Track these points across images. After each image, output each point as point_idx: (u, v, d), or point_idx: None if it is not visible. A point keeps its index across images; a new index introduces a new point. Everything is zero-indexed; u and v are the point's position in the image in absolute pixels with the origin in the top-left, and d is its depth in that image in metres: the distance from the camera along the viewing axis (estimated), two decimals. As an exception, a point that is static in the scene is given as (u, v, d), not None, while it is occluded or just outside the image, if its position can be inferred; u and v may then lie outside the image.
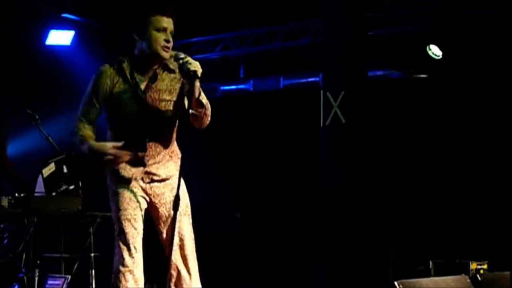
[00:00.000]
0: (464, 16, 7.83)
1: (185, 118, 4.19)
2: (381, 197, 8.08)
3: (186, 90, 4.19)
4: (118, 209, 4.22)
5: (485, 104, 8.11)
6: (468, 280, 5.23)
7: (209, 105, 4.28)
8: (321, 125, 8.02)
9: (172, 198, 4.21)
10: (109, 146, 4.14)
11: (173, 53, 4.21)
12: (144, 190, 4.30)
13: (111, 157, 4.09)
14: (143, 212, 4.28)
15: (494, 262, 7.03)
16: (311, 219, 8.62)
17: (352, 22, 7.97)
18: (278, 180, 9.58)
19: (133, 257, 4.18)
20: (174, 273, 4.32)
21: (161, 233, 4.36)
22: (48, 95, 8.91)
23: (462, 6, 7.81)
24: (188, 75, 4.05)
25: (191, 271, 4.35)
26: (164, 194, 4.34)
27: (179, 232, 4.29)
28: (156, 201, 4.33)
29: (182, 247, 4.33)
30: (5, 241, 6.56)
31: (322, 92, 8.05)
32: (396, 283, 4.51)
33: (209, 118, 4.33)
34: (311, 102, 8.43)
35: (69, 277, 6.66)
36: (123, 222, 4.19)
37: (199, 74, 4.05)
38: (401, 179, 8.41)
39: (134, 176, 4.26)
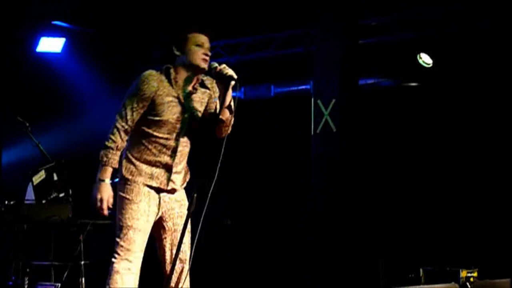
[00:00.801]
0: (454, 24, 7.85)
1: (213, 124, 4.45)
2: (372, 204, 8.09)
3: (219, 96, 4.43)
4: (129, 217, 4.35)
5: (475, 111, 8.13)
6: (458, 288, 5.24)
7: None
8: (312, 133, 8.04)
9: (180, 214, 4.48)
10: (105, 192, 4.30)
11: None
12: (159, 200, 4.44)
13: (98, 203, 4.30)
14: (151, 224, 4.41)
15: (484, 269, 7.04)
16: (301, 226, 8.62)
17: (343, 31, 7.99)
18: (269, 188, 9.58)
19: (129, 268, 4.32)
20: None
21: (161, 247, 4.50)
22: (38, 102, 8.89)
23: (452, 15, 7.83)
24: (224, 78, 4.36)
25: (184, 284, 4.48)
26: (174, 209, 4.51)
27: (183, 249, 4.40)
28: (166, 215, 4.48)
29: (183, 263, 4.46)
30: (-5, 248, 6.54)
31: (313, 100, 8.07)
32: (387, 291, 4.51)
33: (231, 128, 4.59)
34: (302, 110, 8.44)
35: (59, 285, 6.64)
36: (131, 231, 4.33)
37: (235, 77, 4.37)
38: (391, 187, 8.42)
39: (156, 181, 4.41)
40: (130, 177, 4.40)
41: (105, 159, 4.32)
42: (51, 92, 9.16)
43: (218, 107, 4.46)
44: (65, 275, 6.87)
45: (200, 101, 4.54)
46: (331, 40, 7.95)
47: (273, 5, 8.23)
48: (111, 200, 4.34)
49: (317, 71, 8.15)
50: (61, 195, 6.76)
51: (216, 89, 4.52)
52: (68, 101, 9.04)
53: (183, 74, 4.47)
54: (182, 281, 4.46)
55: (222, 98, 4.40)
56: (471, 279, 6.86)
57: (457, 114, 8.20)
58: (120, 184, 4.44)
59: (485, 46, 7.83)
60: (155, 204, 4.42)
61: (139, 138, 4.42)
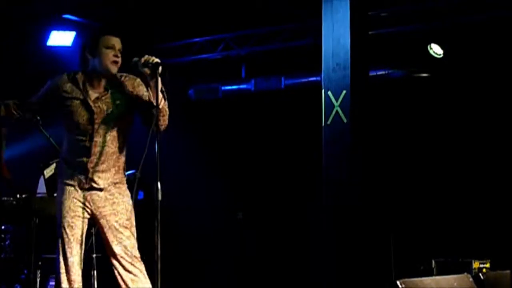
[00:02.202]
0: (465, 14, 7.81)
1: (150, 113, 4.44)
2: (384, 196, 8.07)
3: (150, 86, 4.47)
4: (59, 216, 4.58)
5: (486, 102, 8.10)
6: (471, 279, 5.21)
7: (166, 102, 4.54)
8: (323, 124, 8.01)
9: (112, 212, 4.59)
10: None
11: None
12: (85, 198, 4.59)
13: None
14: (84, 220, 4.59)
15: (497, 260, 7.02)
16: (313, 218, 8.62)
17: (354, 21, 7.96)
18: (280, 180, 9.58)
19: (66, 261, 4.53)
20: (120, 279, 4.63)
21: (105, 244, 4.65)
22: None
23: (463, 5, 7.79)
24: (152, 66, 4.38)
25: (137, 274, 4.61)
26: (105, 207, 4.61)
27: (121, 244, 4.58)
28: (97, 213, 4.62)
29: (124, 257, 4.60)
30: (7, 242, 6.56)
31: (323, 91, 8.03)
32: (398, 282, 4.50)
33: (167, 116, 4.54)
34: (312, 102, 8.42)
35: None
36: (61, 228, 4.56)
37: (160, 61, 4.39)
38: (403, 178, 8.41)
39: (76, 180, 4.57)
40: (59, 178, 4.66)
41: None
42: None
43: (150, 98, 4.50)
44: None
45: (113, 101, 4.59)
46: (341, 31, 7.91)
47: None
48: None
49: (327, 62, 8.12)
50: (73, 188, 6.77)
51: (130, 83, 4.60)
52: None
53: (93, 78, 4.58)
54: (130, 274, 4.60)
55: (154, 86, 4.40)
56: (484, 270, 6.85)
57: (468, 104, 8.17)
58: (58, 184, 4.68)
59: (495, 36, 7.79)
60: (80, 201, 4.57)
61: (65, 140, 4.64)
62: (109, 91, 4.59)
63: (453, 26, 8.01)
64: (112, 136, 4.58)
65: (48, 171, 6.69)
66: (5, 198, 6.39)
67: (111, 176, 4.63)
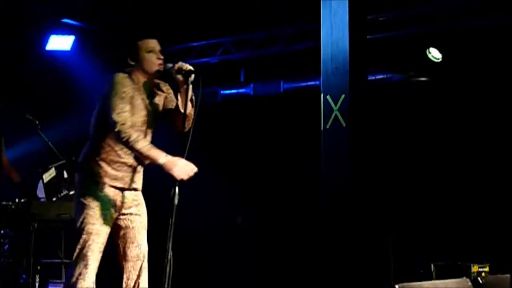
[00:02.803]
0: (464, 18, 7.82)
1: (176, 120, 4.54)
2: (382, 199, 8.07)
3: (181, 92, 4.53)
4: (85, 222, 4.45)
5: (485, 106, 8.10)
6: (469, 283, 5.20)
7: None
8: (322, 128, 8.01)
9: (137, 212, 4.60)
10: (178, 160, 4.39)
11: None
12: (119, 199, 4.53)
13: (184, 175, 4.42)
14: (109, 226, 4.52)
15: (496, 264, 7.02)
16: (312, 222, 8.62)
17: (352, 25, 7.96)
18: (280, 184, 9.58)
19: (86, 268, 4.44)
20: (130, 282, 4.60)
21: (119, 245, 4.61)
22: (48, 100, 8.91)
23: (462, 9, 7.80)
24: (185, 73, 4.46)
25: (145, 279, 4.62)
26: (131, 208, 4.60)
27: (140, 246, 4.59)
28: (124, 212, 4.58)
29: (140, 259, 4.60)
30: (6, 246, 6.55)
31: (322, 95, 8.04)
32: (397, 286, 4.49)
33: (191, 123, 4.61)
34: (311, 106, 8.42)
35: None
36: (87, 234, 4.45)
37: (193, 69, 4.48)
38: (402, 182, 8.40)
39: (121, 182, 4.51)
40: (94, 178, 4.49)
41: (146, 145, 4.38)
42: (60, 90, 9.17)
43: (180, 103, 4.55)
44: (68, 268, 6.87)
45: (159, 103, 4.65)
46: (339, 35, 7.91)
47: (281, 0, 8.22)
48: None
49: (326, 66, 8.12)
50: (71, 192, 6.77)
51: (171, 91, 4.66)
52: (77, 99, 9.05)
53: (141, 79, 4.58)
54: (141, 277, 4.58)
55: (185, 93, 4.48)
56: (483, 274, 6.84)
57: (467, 108, 8.17)
58: (80, 187, 4.54)
59: (494, 40, 7.79)
60: (112, 205, 4.50)
61: (105, 140, 4.50)
62: (152, 92, 4.63)
63: (452, 30, 8.02)
64: (150, 137, 4.64)
65: (47, 176, 6.69)
66: (4, 203, 6.39)
67: (141, 177, 4.67)
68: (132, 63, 4.55)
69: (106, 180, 4.48)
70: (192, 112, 4.56)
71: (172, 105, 4.65)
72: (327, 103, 7.92)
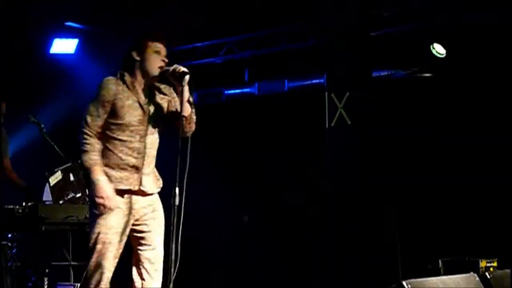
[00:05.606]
0: (468, 13, 7.80)
1: (176, 123, 4.58)
2: (389, 196, 8.07)
3: (179, 93, 4.61)
4: (98, 232, 4.50)
5: (490, 101, 8.08)
6: (477, 278, 5.21)
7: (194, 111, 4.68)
8: (327, 126, 8.02)
9: (152, 216, 4.63)
10: (107, 188, 4.43)
11: None
12: (131, 205, 4.56)
13: (101, 200, 4.41)
14: (124, 233, 4.54)
15: (504, 259, 7.00)
16: (317, 220, 8.62)
17: (355, 22, 7.96)
18: (285, 182, 9.57)
19: (101, 276, 4.50)
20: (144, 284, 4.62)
21: (134, 248, 4.64)
22: (53, 103, 8.93)
23: (466, 4, 7.78)
24: (179, 75, 4.54)
25: (156, 284, 4.64)
26: (146, 214, 4.62)
27: (155, 249, 4.62)
28: (139, 218, 4.60)
29: (154, 263, 4.63)
30: (14, 250, 6.57)
31: (326, 93, 8.05)
32: (404, 282, 4.50)
33: (194, 125, 4.70)
34: (316, 104, 8.43)
35: (79, 284, 6.65)
36: (100, 244, 4.49)
37: (187, 71, 4.55)
38: (408, 178, 8.39)
39: (126, 184, 4.53)
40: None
41: (90, 160, 4.45)
42: (65, 93, 9.19)
43: (178, 105, 4.62)
44: (84, 275, 6.89)
45: (159, 105, 4.68)
46: (343, 33, 7.92)
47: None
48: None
49: (330, 64, 8.12)
50: (78, 195, 6.79)
51: (175, 96, 4.70)
52: (82, 102, 9.07)
53: (139, 79, 4.63)
54: (154, 280, 4.61)
55: (181, 95, 4.55)
56: (491, 269, 6.83)
57: (471, 104, 8.15)
58: (91, 197, 4.54)
59: (498, 35, 7.77)
60: (125, 212, 4.53)
61: (104, 144, 4.55)
62: (153, 94, 4.67)
63: (456, 26, 8.00)
64: (154, 139, 4.67)
65: (53, 179, 6.71)
66: (11, 206, 6.41)
67: (153, 181, 4.66)
68: (137, 58, 4.61)
69: (113, 185, 4.49)
70: (192, 114, 4.63)
71: (173, 108, 4.71)
72: (332, 101, 7.94)
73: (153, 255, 4.60)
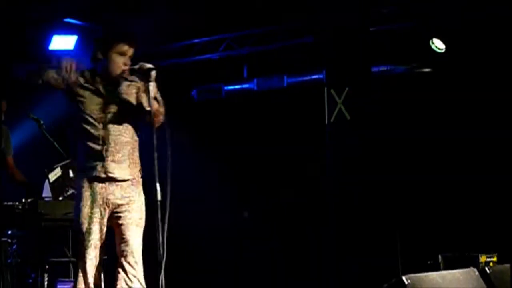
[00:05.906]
0: (467, 9, 7.80)
1: (143, 114, 4.70)
2: (388, 192, 8.07)
3: (144, 90, 4.70)
4: (76, 221, 4.69)
5: (490, 97, 8.08)
6: (477, 273, 5.21)
7: (162, 103, 4.74)
8: (326, 122, 8.02)
9: (127, 209, 4.73)
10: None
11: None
12: (103, 195, 4.69)
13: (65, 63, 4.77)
14: (102, 222, 4.69)
15: (504, 254, 7.01)
16: (317, 217, 8.62)
17: (355, 18, 7.96)
18: (284, 178, 9.58)
19: (84, 265, 4.67)
20: (119, 277, 4.75)
21: (116, 240, 4.78)
22: (51, 100, 8.91)
23: (465, 0, 7.79)
24: (146, 71, 4.64)
25: (136, 275, 4.73)
26: (121, 206, 4.73)
27: (128, 242, 4.72)
28: (113, 208, 4.73)
29: (129, 256, 4.73)
30: (14, 246, 6.57)
31: (326, 89, 8.04)
32: (404, 278, 4.50)
33: (163, 116, 4.72)
34: (315, 100, 8.42)
35: (79, 281, 6.65)
36: (79, 234, 4.67)
37: (153, 67, 4.64)
38: (408, 174, 8.39)
39: (93, 171, 4.67)
40: (78, 174, 4.77)
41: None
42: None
43: (144, 101, 4.70)
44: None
45: (126, 93, 4.79)
46: (342, 28, 7.92)
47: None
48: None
49: (329, 60, 8.12)
50: (78, 192, 6.78)
51: (136, 86, 4.79)
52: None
53: (103, 75, 4.80)
54: (128, 274, 4.72)
55: (147, 91, 4.63)
56: (491, 264, 6.83)
57: (470, 99, 8.15)
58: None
59: (498, 30, 7.77)
60: (98, 202, 4.67)
61: (75, 135, 4.77)
62: (118, 83, 4.79)
63: (455, 21, 7.99)
64: (125, 126, 4.76)
65: (53, 175, 6.70)
66: (11, 203, 6.41)
67: (127, 168, 4.73)
68: (100, 57, 4.77)
69: (85, 173, 4.69)
70: (160, 108, 4.67)
71: (141, 103, 4.81)
72: (331, 97, 7.94)
73: (127, 248, 4.70)
